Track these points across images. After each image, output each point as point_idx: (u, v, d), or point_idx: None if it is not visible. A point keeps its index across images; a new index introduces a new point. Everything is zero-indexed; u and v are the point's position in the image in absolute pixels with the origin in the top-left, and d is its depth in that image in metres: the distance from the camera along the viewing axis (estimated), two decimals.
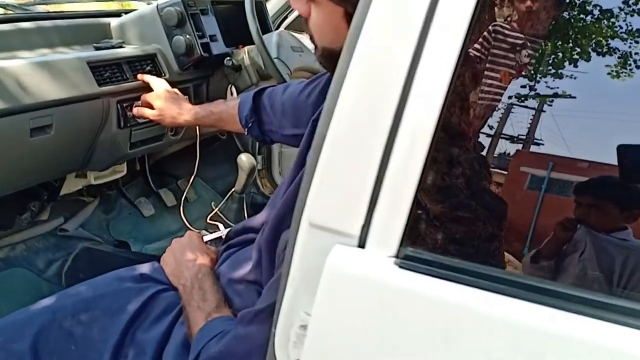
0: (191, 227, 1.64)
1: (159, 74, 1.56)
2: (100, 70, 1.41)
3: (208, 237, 1.32)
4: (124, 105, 1.47)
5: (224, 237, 1.33)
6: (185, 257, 1.05)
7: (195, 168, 1.65)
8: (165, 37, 1.58)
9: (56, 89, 1.28)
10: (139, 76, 1.48)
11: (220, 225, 1.50)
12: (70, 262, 1.82)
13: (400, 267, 0.51)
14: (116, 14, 1.72)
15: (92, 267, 1.83)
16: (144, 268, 1.07)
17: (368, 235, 0.54)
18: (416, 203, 0.52)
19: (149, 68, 1.54)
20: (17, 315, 0.96)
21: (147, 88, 1.48)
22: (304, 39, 1.83)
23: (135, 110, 1.46)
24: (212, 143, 2.23)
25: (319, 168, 0.57)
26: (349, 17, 0.71)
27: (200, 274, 0.99)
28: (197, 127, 1.61)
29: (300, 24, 2.37)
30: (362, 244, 0.54)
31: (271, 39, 1.63)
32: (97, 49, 1.49)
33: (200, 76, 1.70)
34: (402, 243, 0.52)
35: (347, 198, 0.55)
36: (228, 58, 1.63)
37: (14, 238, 1.75)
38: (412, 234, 0.52)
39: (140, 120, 1.51)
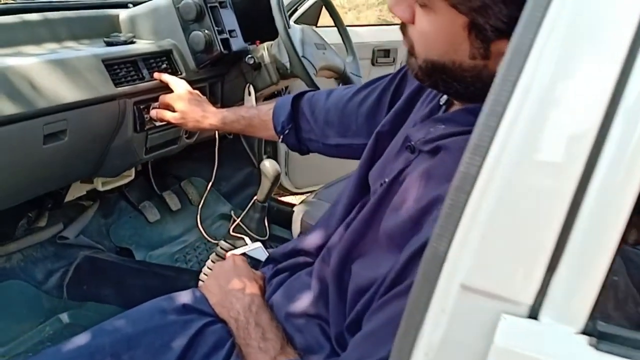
0: (210, 239, 1.52)
1: (174, 72, 1.43)
2: (115, 68, 1.27)
3: (233, 252, 1.20)
4: (141, 107, 1.34)
5: (249, 251, 1.22)
6: (233, 286, 0.94)
7: (214, 174, 1.53)
8: (181, 32, 1.45)
9: (71, 90, 1.14)
10: (156, 75, 1.36)
11: (247, 239, 1.39)
12: (72, 272, 1.69)
13: (598, 349, 0.42)
14: (122, 5, 1.58)
15: (95, 278, 1.70)
16: (185, 297, 0.96)
17: (543, 303, 0.44)
18: (615, 264, 0.42)
19: (164, 66, 1.41)
20: (46, 358, 0.84)
21: (165, 88, 1.36)
22: (325, 35, 1.72)
23: (153, 112, 1.33)
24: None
25: (470, 216, 0.47)
26: (473, 28, 0.61)
27: (254, 306, 0.89)
28: (217, 131, 1.49)
29: (309, 18, 2.26)
30: (534, 315, 0.45)
31: (295, 35, 1.51)
32: (108, 44, 1.36)
33: (216, 74, 1.58)
34: (592, 315, 0.43)
35: (518, 256, 0.45)
36: (250, 56, 1.51)
37: (9, 247, 1.61)
38: (607, 305, 0.43)
39: (157, 124, 1.39)
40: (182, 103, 1.29)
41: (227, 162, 2.21)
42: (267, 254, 1.19)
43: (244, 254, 1.22)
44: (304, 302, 0.88)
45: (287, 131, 1.16)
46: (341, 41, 1.75)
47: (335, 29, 1.76)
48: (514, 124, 0.46)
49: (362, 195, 0.93)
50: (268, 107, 1.22)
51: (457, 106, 0.74)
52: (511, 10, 0.57)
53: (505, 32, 0.59)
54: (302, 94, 1.19)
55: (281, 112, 1.17)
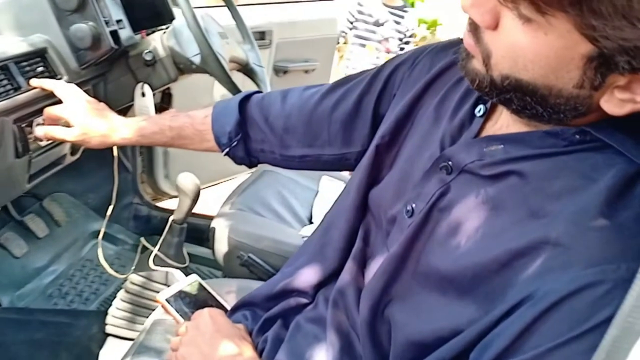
0: (113, 272, 1.26)
1: (52, 75, 1.14)
2: None
3: (165, 292, 0.98)
4: (22, 125, 1.04)
5: (188, 287, 1.02)
6: (222, 352, 0.75)
7: (114, 194, 1.26)
8: (56, 25, 1.15)
9: None
10: (35, 82, 1.06)
11: (176, 273, 1.17)
12: None
13: None
14: None
15: None
16: None
17: None
18: None
19: (40, 69, 1.11)
20: None
21: (49, 97, 1.07)
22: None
23: (40, 130, 1.04)
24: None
25: None
26: (599, 59, 0.50)
27: None
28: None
29: None
30: None
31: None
32: None
33: (99, 74, 1.30)
34: None
35: None
36: (148, 51, 1.26)
37: None
38: None
39: (43, 143, 1.09)
40: (80, 115, 1.02)
41: (93, 169, 1.89)
42: (207, 286, 1.01)
43: (180, 292, 1.01)
44: None
45: (235, 143, 0.97)
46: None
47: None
48: None
49: (361, 218, 0.80)
50: (203, 114, 1.01)
51: (515, 123, 0.64)
52: None
53: None
54: (247, 97, 1.00)
55: (225, 120, 0.97)
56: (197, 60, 1.27)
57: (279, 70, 2.33)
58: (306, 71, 2.41)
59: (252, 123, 0.97)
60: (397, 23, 3.06)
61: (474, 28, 0.57)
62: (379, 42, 3.05)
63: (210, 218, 1.42)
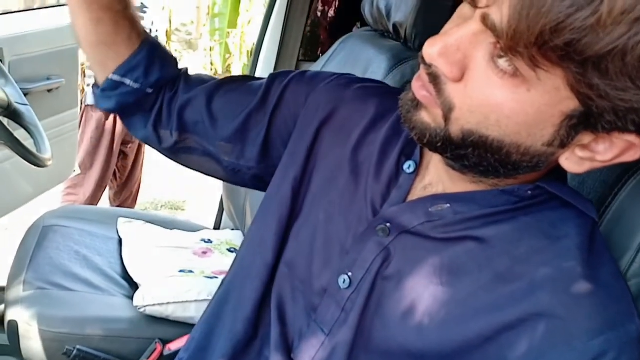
0: None
1: None
2: None
3: None
4: None
5: None
6: None
7: None
8: None
9: None
10: None
11: None
12: None
13: None
14: None
15: None
16: None
17: None
18: None
19: None
20: None
21: None
22: None
23: None
24: None
25: None
26: (581, 117, 0.47)
27: None
28: None
29: None
30: None
31: None
32: None
33: None
34: None
35: None
36: None
37: None
38: None
39: None
40: None
41: None
42: None
43: None
44: None
45: (149, 91, 0.75)
46: None
47: None
48: None
49: (270, 286, 0.69)
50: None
51: (457, 181, 0.59)
52: None
53: (622, 129, 0.47)
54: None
55: (157, 64, 0.75)
56: None
57: None
58: (49, 90, 2.06)
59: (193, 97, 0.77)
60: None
61: (433, 78, 0.50)
62: None
63: None
